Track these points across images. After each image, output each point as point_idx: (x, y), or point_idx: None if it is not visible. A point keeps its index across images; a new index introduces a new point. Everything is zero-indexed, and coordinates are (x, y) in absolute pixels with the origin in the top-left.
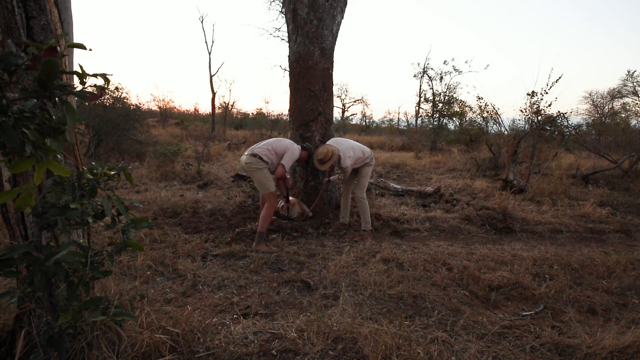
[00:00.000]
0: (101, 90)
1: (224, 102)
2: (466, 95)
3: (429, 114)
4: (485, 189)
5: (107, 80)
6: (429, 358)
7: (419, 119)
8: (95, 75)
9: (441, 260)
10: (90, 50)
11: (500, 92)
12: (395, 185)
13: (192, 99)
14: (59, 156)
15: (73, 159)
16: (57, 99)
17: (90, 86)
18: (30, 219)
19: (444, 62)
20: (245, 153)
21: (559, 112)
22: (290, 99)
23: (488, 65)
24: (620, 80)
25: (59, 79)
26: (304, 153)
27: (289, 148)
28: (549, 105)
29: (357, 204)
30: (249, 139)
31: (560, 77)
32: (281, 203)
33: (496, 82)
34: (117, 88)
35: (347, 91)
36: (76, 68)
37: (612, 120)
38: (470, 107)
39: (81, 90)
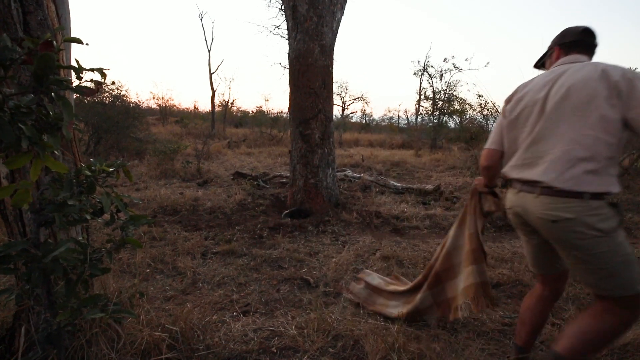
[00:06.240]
0: (98, 85)
1: (224, 100)
2: (466, 92)
3: (429, 112)
4: None
5: (103, 75)
6: (429, 356)
7: (419, 116)
8: (92, 70)
9: None
10: (87, 44)
11: (501, 90)
12: (395, 183)
13: (192, 96)
14: (56, 152)
15: (71, 156)
16: (53, 94)
17: (87, 81)
18: (28, 215)
19: (444, 59)
20: (534, 190)
21: None
22: (290, 96)
23: (488, 63)
24: None
25: (56, 74)
26: None
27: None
28: None
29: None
30: (249, 137)
31: None
32: None
33: (496, 79)
34: (114, 82)
35: (347, 89)
36: (74, 64)
37: None
38: (470, 105)
39: (78, 85)
